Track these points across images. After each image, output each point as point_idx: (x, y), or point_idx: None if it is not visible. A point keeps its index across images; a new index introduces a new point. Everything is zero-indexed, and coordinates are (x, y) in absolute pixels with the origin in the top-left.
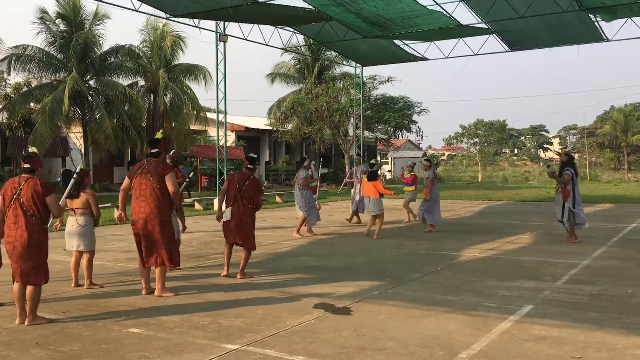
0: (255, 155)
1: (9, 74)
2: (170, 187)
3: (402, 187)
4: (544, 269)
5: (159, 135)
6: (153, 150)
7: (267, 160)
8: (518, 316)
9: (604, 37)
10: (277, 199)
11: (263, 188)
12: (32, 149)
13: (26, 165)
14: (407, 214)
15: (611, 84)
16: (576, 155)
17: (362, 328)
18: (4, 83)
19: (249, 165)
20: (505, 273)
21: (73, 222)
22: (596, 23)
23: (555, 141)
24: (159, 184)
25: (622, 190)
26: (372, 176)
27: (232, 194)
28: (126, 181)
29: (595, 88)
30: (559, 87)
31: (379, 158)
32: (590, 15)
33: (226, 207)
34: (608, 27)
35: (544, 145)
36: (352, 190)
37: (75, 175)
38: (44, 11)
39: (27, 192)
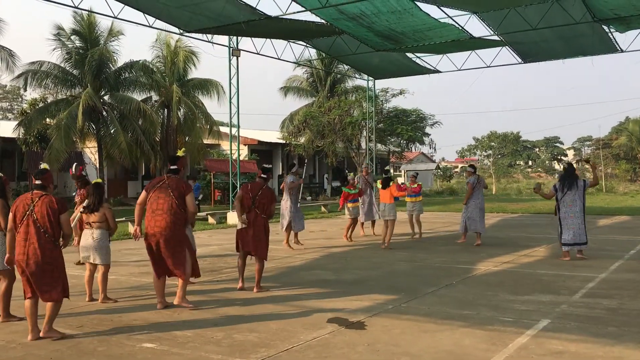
0: (270, 166)
1: (25, 90)
2: (190, 207)
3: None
4: (560, 282)
5: (180, 153)
6: (172, 167)
7: (280, 173)
8: (535, 331)
9: (618, 48)
10: None
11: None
12: (43, 165)
13: (37, 182)
14: (413, 228)
15: (626, 95)
16: None
17: (376, 343)
18: (20, 99)
19: (262, 175)
20: (521, 287)
21: (89, 236)
22: (610, 34)
23: (570, 153)
24: (179, 200)
25: (638, 203)
26: (387, 182)
27: (247, 203)
28: (143, 195)
29: (609, 99)
30: (573, 99)
31: (392, 171)
32: (603, 26)
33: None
34: (622, 38)
35: (559, 157)
36: (361, 199)
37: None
38: (60, 28)
39: (42, 208)
